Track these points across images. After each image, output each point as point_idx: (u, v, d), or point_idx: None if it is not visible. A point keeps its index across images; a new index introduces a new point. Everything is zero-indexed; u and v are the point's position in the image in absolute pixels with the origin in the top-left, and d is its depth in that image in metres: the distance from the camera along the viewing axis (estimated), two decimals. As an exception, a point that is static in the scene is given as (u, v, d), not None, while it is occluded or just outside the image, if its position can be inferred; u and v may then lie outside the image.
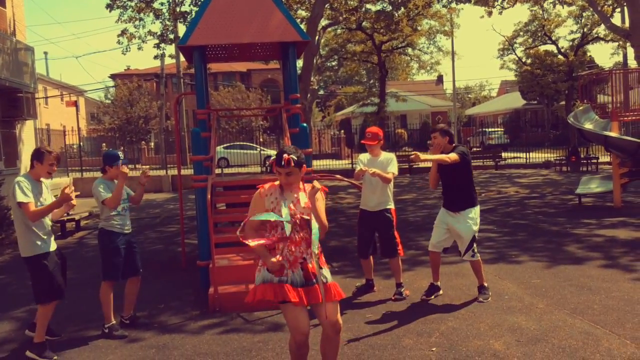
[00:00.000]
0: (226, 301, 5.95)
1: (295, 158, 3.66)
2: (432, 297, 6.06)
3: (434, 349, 4.62)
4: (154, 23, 37.81)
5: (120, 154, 5.52)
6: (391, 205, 6.24)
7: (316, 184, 3.74)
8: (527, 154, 26.68)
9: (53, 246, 5.00)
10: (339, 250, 8.91)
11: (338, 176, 8.87)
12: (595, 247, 8.22)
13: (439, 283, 6.18)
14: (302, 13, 20.37)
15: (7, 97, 15.67)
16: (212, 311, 5.91)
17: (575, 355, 4.36)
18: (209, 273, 6.40)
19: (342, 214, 13.41)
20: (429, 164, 6.21)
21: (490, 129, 40.71)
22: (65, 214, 6.54)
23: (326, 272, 3.80)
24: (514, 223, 10.74)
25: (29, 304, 6.54)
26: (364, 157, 6.26)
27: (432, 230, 6.11)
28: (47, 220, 5.00)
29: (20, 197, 4.67)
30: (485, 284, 6.08)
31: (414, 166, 24.47)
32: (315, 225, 3.65)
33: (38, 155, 4.92)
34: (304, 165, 3.78)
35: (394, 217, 6.26)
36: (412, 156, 5.40)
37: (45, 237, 4.89)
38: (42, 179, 4.98)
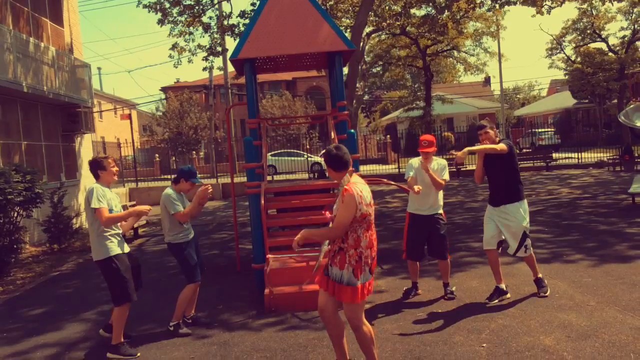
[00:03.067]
0: (281, 301, 6.21)
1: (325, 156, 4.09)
2: (496, 300, 5.96)
3: (484, 345, 4.75)
4: (203, 37, 38.73)
5: (197, 173, 5.83)
6: (441, 210, 6.37)
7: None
8: (579, 154, 26.14)
9: (125, 249, 5.32)
10: (388, 253, 9.07)
11: (385, 180, 9.09)
12: (649, 246, 8.14)
13: (504, 285, 6.08)
14: (347, 21, 20.60)
15: (67, 112, 16.48)
16: (268, 311, 6.18)
17: (625, 349, 4.43)
18: (264, 275, 6.68)
19: (389, 217, 13.55)
20: (475, 167, 6.32)
21: (540, 130, 40.00)
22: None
23: (337, 271, 3.98)
24: (565, 224, 10.66)
25: (97, 306, 7.01)
26: (415, 161, 6.37)
27: (483, 229, 6.19)
28: (118, 226, 5.35)
29: (95, 204, 5.00)
30: (540, 276, 6.17)
31: (462, 169, 24.35)
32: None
33: (99, 165, 5.26)
34: (329, 165, 4.07)
35: (445, 219, 6.39)
36: (456, 157, 5.57)
37: (116, 240, 5.19)
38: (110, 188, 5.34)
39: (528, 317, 5.38)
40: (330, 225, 4.13)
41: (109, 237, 5.14)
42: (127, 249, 5.37)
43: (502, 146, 5.77)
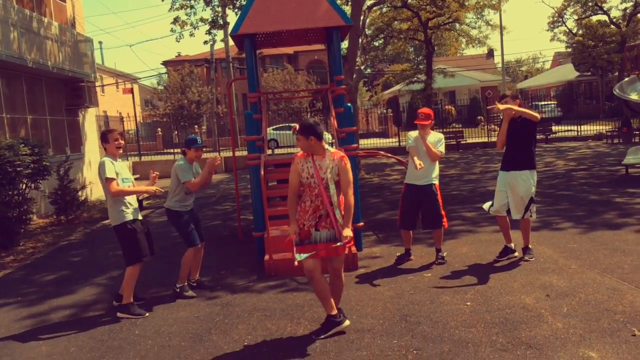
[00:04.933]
0: (280, 266, 6.56)
1: (298, 126, 4.50)
2: (505, 258, 6.45)
3: (468, 303, 5.10)
4: (205, 10, 38.56)
5: (199, 139, 6.17)
6: (436, 182, 6.66)
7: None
8: (579, 126, 26.33)
9: (139, 216, 5.69)
10: (385, 223, 9.42)
11: (382, 153, 9.37)
12: (636, 214, 8.45)
13: (512, 245, 6.53)
14: (347, -6, 20.62)
15: (71, 86, 16.74)
16: (268, 275, 6.54)
17: (600, 307, 4.76)
18: (264, 242, 7.02)
19: (388, 189, 13.87)
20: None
21: (542, 102, 40.04)
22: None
23: (326, 232, 4.54)
24: (558, 194, 10.97)
25: (107, 272, 7.39)
26: (413, 134, 6.64)
27: (495, 196, 6.48)
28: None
29: (108, 174, 5.36)
30: (530, 246, 6.53)
31: (463, 142, 24.60)
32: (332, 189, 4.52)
33: (103, 137, 5.64)
34: (314, 135, 4.47)
35: (439, 192, 6.69)
36: (496, 107, 6.05)
37: (131, 206, 5.57)
38: (118, 160, 5.67)
39: (512, 279, 5.71)
40: (311, 194, 4.59)
41: (125, 203, 5.52)
42: (140, 216, 5.73)
43: (537, 114, 6.20)
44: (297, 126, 4.54)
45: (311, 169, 4.54)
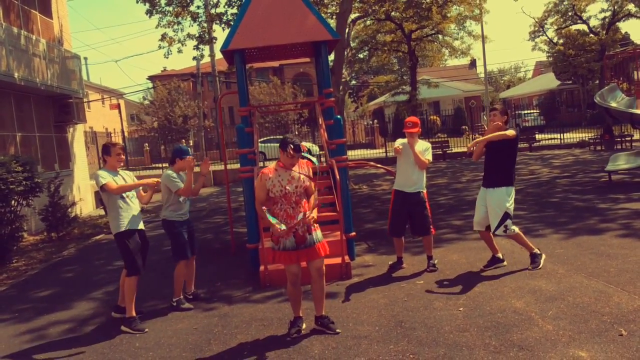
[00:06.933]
0: (275, 277, 6.67)
1: (307, 147, 4.88)
2: (492, 267, 6.54)
3: (460, 309, 5.25)
4: (192, 26, 38.69)
5: (189, 149, 6.30)
6: (424, 189, 6.84)
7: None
8: (562, 134, 26.73)
9: (138, 226, 5.75)
10: (374, 232, 9.57)
11: (371, 163, 9.55)
12: (619, 219, 8.67)
13: (500, 255, 6.63)
14: (332, 8, 20.89)
15: (59, 103, 16.77)
16: (263, 286, 6.64)
17: (587, 309, 4.93)
18: (259, 254, 7.13)
19: (377, 199, 14.03)
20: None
21: (525, 111, 40.59)
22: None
23: (316, 234, 4.89)
24: (543, 201, 11.20)
25: (102, 287, 7.45)
26: (401, 142, 6.80)
27: (473, 210, 6.68)
28: (135, 205, 5.78)
29: (99, 183, 5.50)
30: (536, 251, 6.52)
31: (448, 152, 24.88)
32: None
33: (106, 150, 5.78)
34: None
35: (427, 200, 6.86)
36: (470, 146, 6.41)
37: (129, 217, 5.64)
38: (119, 170, 5.79)
39: (502, 285, 5.88)
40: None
41: (121, 214, 5.61)
42: (140, 226, 5.79)
43: (511, 132, 6.20)
44: (304, 146, 4.86)
45: (284, 181, 4.78)
